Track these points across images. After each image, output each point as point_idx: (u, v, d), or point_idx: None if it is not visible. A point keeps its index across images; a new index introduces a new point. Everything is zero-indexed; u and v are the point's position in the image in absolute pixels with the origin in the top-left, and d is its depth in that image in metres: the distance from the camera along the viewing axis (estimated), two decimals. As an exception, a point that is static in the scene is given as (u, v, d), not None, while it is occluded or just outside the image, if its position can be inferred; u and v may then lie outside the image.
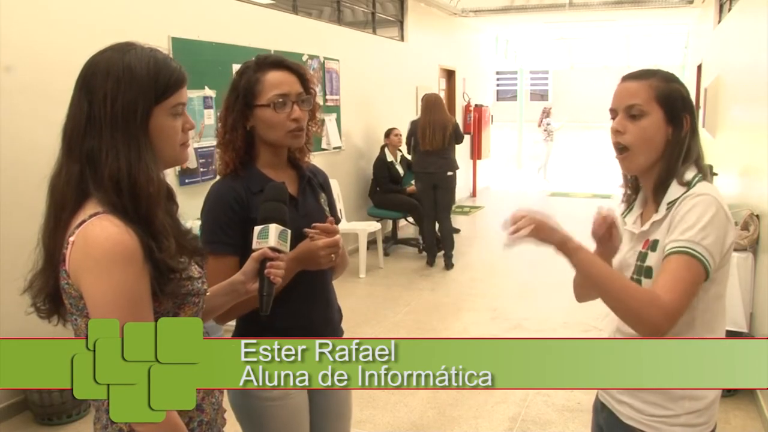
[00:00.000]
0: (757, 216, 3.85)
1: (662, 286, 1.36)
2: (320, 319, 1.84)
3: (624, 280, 1.42)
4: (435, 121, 6.43)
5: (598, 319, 4.79)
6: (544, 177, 12.82)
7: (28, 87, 3.53)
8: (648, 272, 1.46)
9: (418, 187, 6.73)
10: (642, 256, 1.49)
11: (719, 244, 1.38)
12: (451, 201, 6.72)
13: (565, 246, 1.41)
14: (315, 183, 1.89)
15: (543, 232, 1.41)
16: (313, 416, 1.85)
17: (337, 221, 1.90)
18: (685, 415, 1.45)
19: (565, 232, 1.43)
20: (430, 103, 6.57)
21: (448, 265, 6.55)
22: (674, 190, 1.46)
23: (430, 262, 6.67)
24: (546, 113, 13.09)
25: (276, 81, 1.72)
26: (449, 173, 6.57)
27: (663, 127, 1.46)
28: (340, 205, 6.57)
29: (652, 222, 1.48)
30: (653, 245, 1.47)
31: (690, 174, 1.46)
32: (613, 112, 1.51)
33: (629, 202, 1.62)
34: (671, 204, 1.44)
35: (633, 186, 1.61)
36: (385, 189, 7.04)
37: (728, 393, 3.66)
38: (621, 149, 1.49)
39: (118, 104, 1.18)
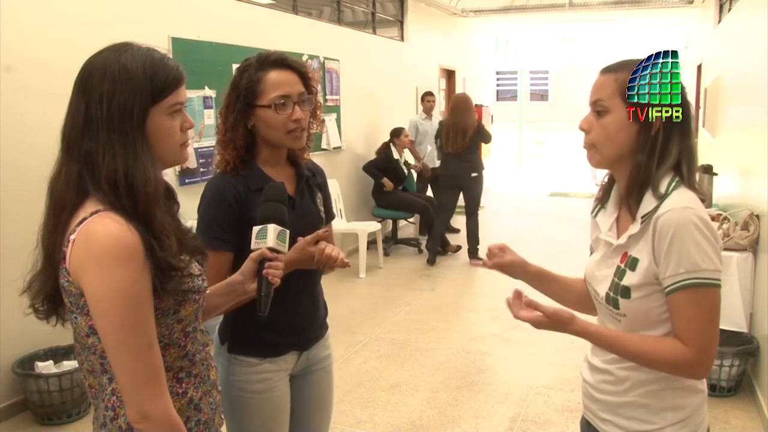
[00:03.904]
0: (757, 216, 3.85)
1: (682, 333, 1.32)
2: (306, 314, 1.87)
3: (643, 351, 1.35)
4: (458, 124, 6.59)
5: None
6: (594, 177, 12.62)
7: (28, 87, 3.53)
8: (625, 292, 1.38)
9: (441, 186, 6.94)
10: (620, 273, 1.40)
11: (717, 253, 1.31)
12: (476, 201, 6.90)
13: (571, 332, 1.41)
14: (313, 182, 1.90)
15: (545, 326, 1.41)
16: (295, 407, 1.89)
17: (332, 218, 1.96)
18: (669, 427, 1.41)
19: (563, 316, 1.39)
20: (455, 105, 6.79)
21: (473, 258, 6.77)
22: (648, 201, 1.35)
23: (431, 261, 6.74)
24: None
25: (277, 81, 1.71)
26: (473, 174, 6.72)
27: (626, 125, 1.35)
28: (340, 205, 6.58)
29: (629, 235, 1.39)
30: (632, 264, 1.38)
31: (664, 183, 1.35)
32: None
33: (602, 201, 1.52)
34: (645, 217, 1.34)
35: (607, 183, 1.52)
36: (378, 183, 7.07)
37: (728, 393, 3.66)
38: (588, 147, 1.43)
39: (114, 105, 1.17)
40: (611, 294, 1.42)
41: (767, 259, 3.60)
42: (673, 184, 1.35)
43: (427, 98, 7.85)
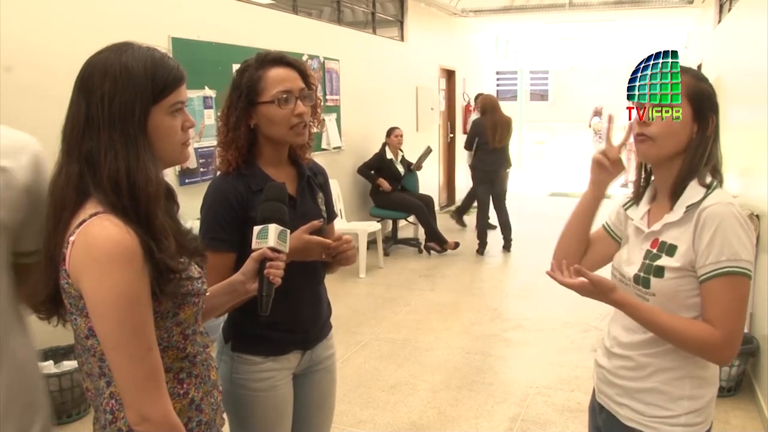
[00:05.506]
0: (757, 216, 3.85)
1: (714, 318, 1.40)
2: (310, 313, 1.88)
3: (674, 326, 1.42)
4: (501, 120, 7.06)
5: (598, 319, 4.79)
6: None
7: (28, 87, 3.53)
8: (659, 272, 1.45)
9: (478, 181, 7.35)
10: (651, 256, 1.48)
11: (753, 247, 1.41)
12: (503, 196, 7.31)
13: (612, 301, 1.46)
14: (314, 182, 1.91)
15: (588, 293, 1.47)
16: (297, 407, 1.89)
17: (334, 217, 1.98)
18: (685, 415, 1.47)
19: (607, 285, 1.45)
20: (491, 103, 7.23)
21: (507, 247, 7.18)
22: (694, 191, 1.45)
23: (480, 251, 7.10)
24: (596, 113, 12.82)
25: (279, 77, 1.73)
26: (506, 170, 7.20)
27: (689, 124, 1.45)
28: (340, 205, 6.58)
29: (665, 223, 1.47)
30: (669, 250, 1.45)
31: (709, 177, 1.46)
32: (639, 105, 1.50)
33: (638, 196, 1.61)
34: (691, 207, 1.43)
35: (646, 178, 1.60)
36: (373, 183, 7.11)
37: (728, 393, 3.66)
38: (644, 139, 1.49)
39: (115, 104, 1.17)
40: (642, 274, 1.49)
41: (767, 259, 3.60)
42: (716, 183, 1.46)
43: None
